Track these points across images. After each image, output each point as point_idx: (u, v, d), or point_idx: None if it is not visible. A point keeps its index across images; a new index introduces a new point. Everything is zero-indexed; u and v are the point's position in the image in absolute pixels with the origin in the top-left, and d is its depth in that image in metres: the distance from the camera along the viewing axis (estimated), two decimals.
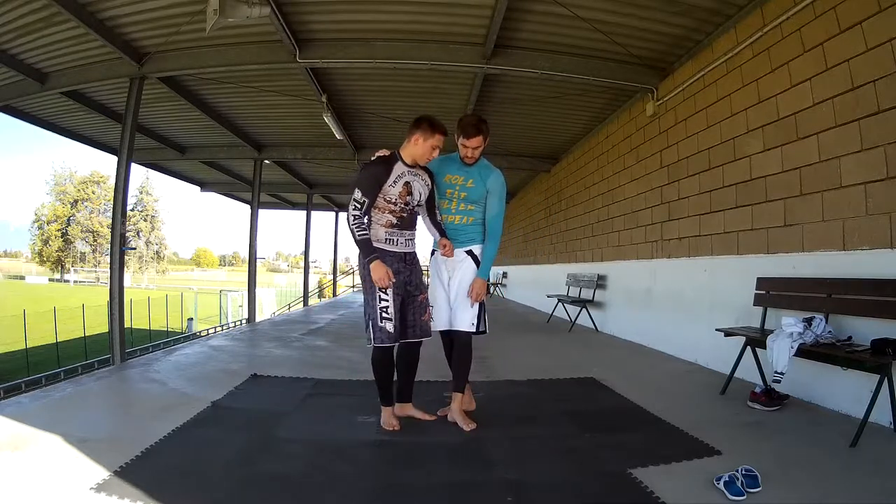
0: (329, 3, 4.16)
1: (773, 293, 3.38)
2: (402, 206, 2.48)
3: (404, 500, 1.88)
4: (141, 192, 48.22)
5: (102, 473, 1.93)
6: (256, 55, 4.78)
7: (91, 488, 1.82)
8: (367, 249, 2.39)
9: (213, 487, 1.89)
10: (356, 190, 2.39)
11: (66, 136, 7.50)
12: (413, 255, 2.61)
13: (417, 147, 2.46)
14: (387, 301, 2.44)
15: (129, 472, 1.95)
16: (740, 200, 3.90)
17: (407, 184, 2.47)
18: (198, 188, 11.98)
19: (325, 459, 2.18)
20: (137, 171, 33.45)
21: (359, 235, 2.39)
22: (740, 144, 3.92)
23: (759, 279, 3.50)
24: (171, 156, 8.57)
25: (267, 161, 8.93)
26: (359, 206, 2.38)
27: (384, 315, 2.43)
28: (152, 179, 50.13)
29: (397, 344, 2.57)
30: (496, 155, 8.59)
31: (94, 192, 47.03)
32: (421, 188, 2.54)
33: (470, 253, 2.66)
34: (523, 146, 8.39)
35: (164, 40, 4.51)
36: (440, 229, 2.68)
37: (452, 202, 2.67)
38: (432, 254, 2.78)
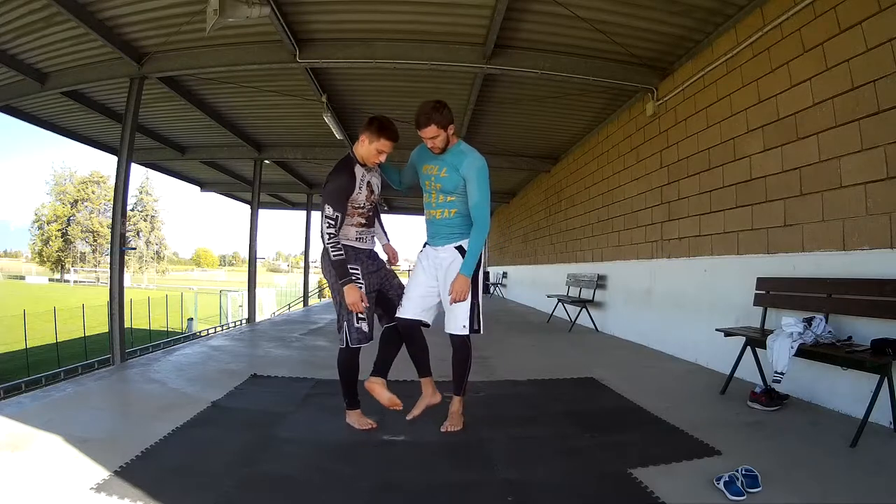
0: (329, 3, 4.16)
1: (773, 293, 3.38)
2: (369, 206, 2.51)
3: (404, 500, 1.87)
4: (141, 192, 48.20)
5: (102, 473, 1.93)
6: (256, 55, 4.78)
7: (91, 488, 1.82)
8: (343, 271, 2.35)
9: (213, 487, 1.88)
10: (326, 206, 2.33)
11: (66, 136, 7.49)
12: (375, 252, 2.63)
13: (363, 148, 2.41)
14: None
15: (129, 472, 1.95)
16: (740, 200, 3.90)
17: (369, 184, 2.48)
18: (198, 188, 11.97)
19: (325, 459, 2.18)
20: (137, 171, 33.51)
21: (334, 256, 2.34)
22: (740, 144, 3.92)
23: (759, 279, 3.50)
24: (171, 156, 8.56)
25: (267, 161, 8.93)
26: (332, 224, 2.32)
27: (359, 315, 2.43)
28: (152, 179, 50.21)
29: (385, 326, 2.59)
30: (496, 155, 8.59)
31: (94, 192, 46.98)
32: (378, 182, 2.56)
33: (459, 249, 2.47)
34: (523, 146, 8.38)
35: (163, 40, 4.51)
36: (383, 229, 2.73)
37: (432, 195, 2.52)
38: (424, 247, 2.64)
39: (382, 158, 2.44)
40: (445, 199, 2.48)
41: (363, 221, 2.50)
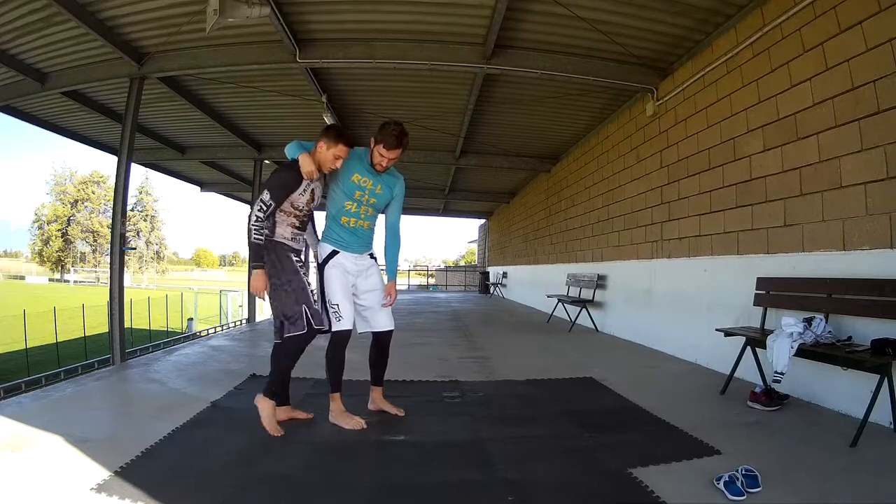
0: (329, 3, 4.16)
1: (773, 293, 3.38)
2: (307, 212, 2.56)
3: (404, 500, 1.87)
4: (141, 192, 48.20)
5: (102, 473, 1.93)
6: (256, 55, 4.78)
7: (91, 488, 1.82)
8: (257, 256, 2.39)
9: (213, 487, 1.89)
10: (265, 191, 2.39)
11: (67, 137, 7.50)
12: (302, 252, 2.67)
13: (320, 154, 2.48)
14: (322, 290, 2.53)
15: (129, 472, 1.95)
16: (740, 200, 3.90)
17: (313, 191, 2.55)
18: (198, 188, 11.96)
19: (325, 459, 2.19)
20: (137, 171, 33.58)
21: (254, 238, 2.37)
22: (740, 144, 3.92)
23: (759, 279, 3.50)
24: (171, 156, 8.57)
25: (267, 161, 8.93)
26: (264, 209, 2.37)
27: (331, 309, 2.51)
28: (152, 179, 50.22)
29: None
30: (496, 155, 8.60)
31: (94, 192, 47.00)
32: (319, 192, 2.62)
33: (371, 256, 2.73)
34: (523, 146, 8.38)
35: (164, 40, 4.51)
36: (315, 232, 2.75)
37: (361, 207, 2.60)
38: (330, 257, 2.59)
39: (338, 164, 2.50)
40: (375, 212, 2.67)
41: (297, 224, 2.55)
